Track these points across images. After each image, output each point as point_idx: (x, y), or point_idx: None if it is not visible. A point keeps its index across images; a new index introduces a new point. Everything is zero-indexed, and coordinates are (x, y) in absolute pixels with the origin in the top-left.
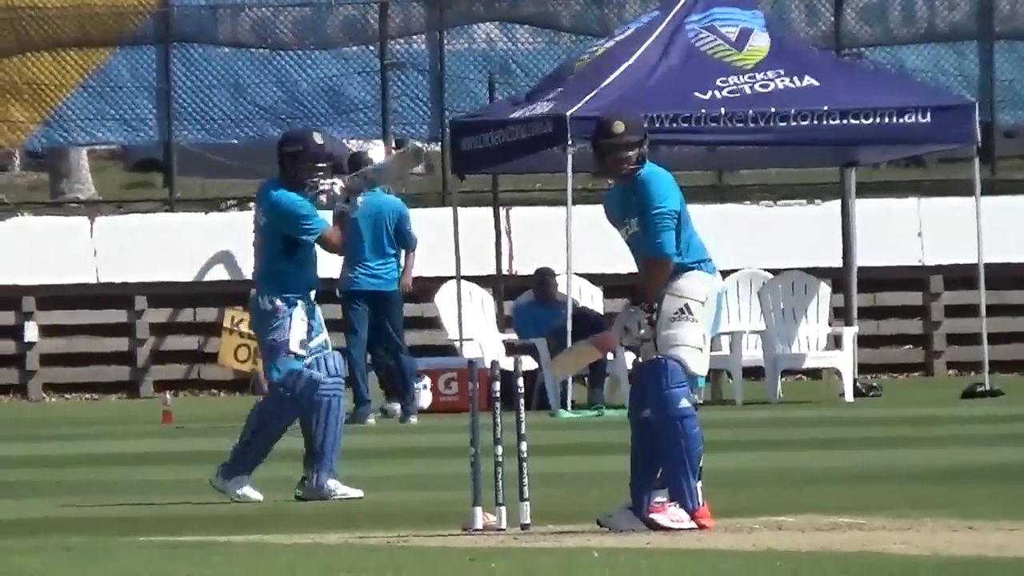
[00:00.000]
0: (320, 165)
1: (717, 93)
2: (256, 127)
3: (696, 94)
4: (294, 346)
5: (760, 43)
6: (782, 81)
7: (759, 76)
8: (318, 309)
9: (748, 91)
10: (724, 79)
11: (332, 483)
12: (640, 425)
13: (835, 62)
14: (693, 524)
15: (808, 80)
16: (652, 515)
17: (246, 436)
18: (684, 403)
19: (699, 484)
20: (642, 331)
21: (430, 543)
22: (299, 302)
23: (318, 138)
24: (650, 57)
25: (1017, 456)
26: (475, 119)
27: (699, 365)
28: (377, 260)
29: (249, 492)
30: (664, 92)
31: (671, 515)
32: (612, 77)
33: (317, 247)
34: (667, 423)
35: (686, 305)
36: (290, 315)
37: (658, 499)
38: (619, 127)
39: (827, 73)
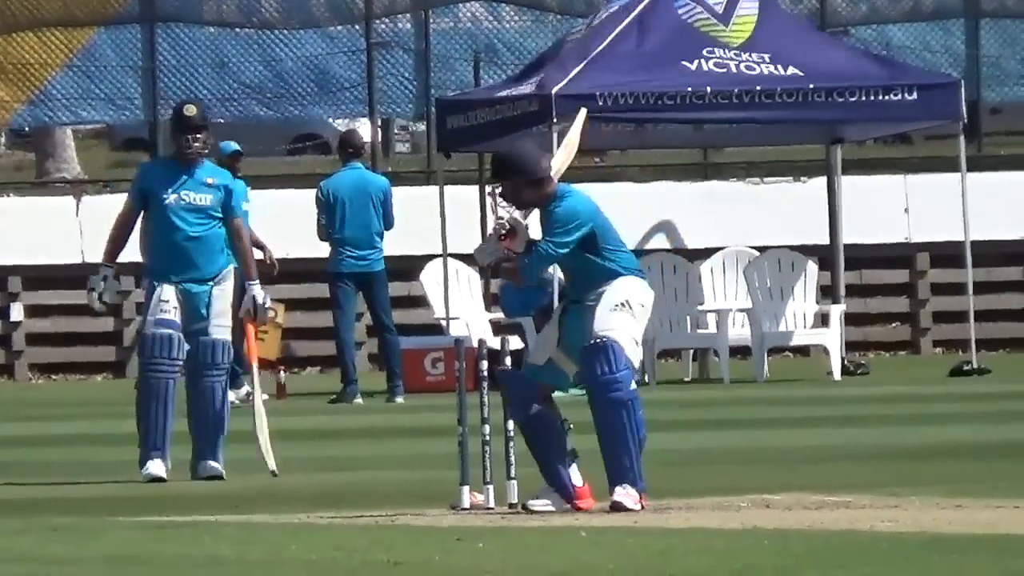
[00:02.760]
0: (196, 136)
1: (704, 64)
2: (241, 106)
3: (683, 63)
4: (148, 327)
5: (747, 12)
6: (767, 67)
7: (744, 56)
8: (207, 294)
9: (734, 69)
10: (711, 50)
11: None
12: (528, 422)
13: (821, 40)
14: (639, 506)
15: (792, 71)
16: (616, 499)
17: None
18: (633, 386)
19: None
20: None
21: (418, 522)
22: (160, 285)
23: (189, 109)
24: (635, 28)
25: (1004, 434)
26: (461, 98)
27: (633, 356)
28: (364, 241)
29: (153, 468)
30: (651, 62)
31: (628, 494)
32: (596, 52)
33: (183, 238)
34: (614, 406)
35: (627, 300)
36: (150, 297)
37: (576, 479)
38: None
39: (812, 57)
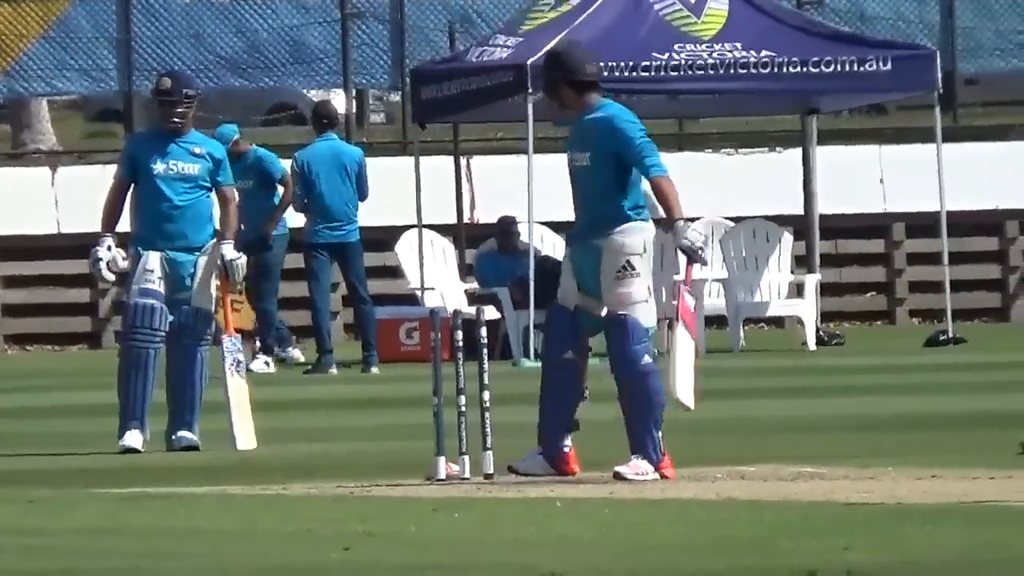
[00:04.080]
0: (178, 111)
1: (675, 56)
2: (217, 77)
3: (654, 54)
4: (131, 296)
5: (718, 6)
6: (739, 54)
7: (716, 47)
8: (193, 264)
9: (707, 57)
10: (682, 45)
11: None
12: (557, 367)
13: (794, 27)
14: (656, 475)
15: (765, 53)
16: (617, 468)
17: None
18: (647, 359)
19: (660, 435)
20: (700, 237)
21: (393, 493)
22: (145, 253)
23: (165, 83)
24: (606, 17)
25: (979, 404)
26: (436, 67)
27: (649, 318)
28: (339, 211)
29: (129, 440)
30: (622, 50)
31: (634, 467)
32: (568, 30)
33: (172, 204)
34: (633, 380)
35: (627, 261)
36: (137, 265)
37: (567, 443)
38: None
39: (785, 42)
